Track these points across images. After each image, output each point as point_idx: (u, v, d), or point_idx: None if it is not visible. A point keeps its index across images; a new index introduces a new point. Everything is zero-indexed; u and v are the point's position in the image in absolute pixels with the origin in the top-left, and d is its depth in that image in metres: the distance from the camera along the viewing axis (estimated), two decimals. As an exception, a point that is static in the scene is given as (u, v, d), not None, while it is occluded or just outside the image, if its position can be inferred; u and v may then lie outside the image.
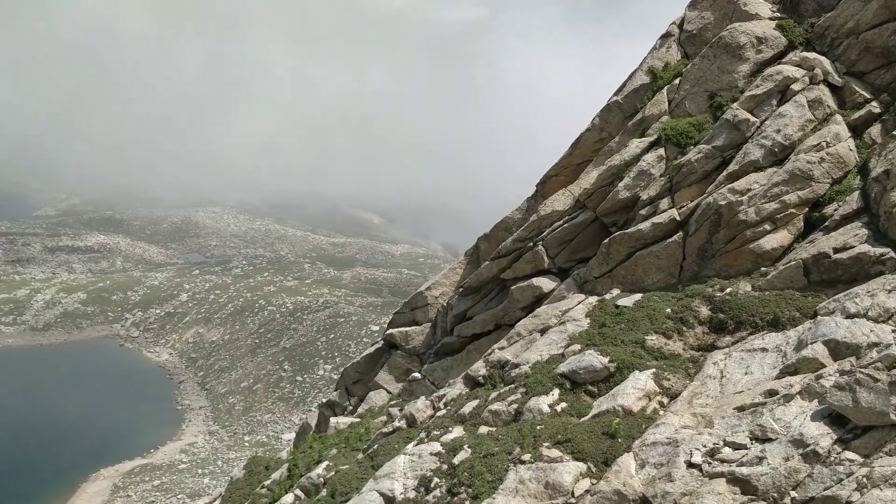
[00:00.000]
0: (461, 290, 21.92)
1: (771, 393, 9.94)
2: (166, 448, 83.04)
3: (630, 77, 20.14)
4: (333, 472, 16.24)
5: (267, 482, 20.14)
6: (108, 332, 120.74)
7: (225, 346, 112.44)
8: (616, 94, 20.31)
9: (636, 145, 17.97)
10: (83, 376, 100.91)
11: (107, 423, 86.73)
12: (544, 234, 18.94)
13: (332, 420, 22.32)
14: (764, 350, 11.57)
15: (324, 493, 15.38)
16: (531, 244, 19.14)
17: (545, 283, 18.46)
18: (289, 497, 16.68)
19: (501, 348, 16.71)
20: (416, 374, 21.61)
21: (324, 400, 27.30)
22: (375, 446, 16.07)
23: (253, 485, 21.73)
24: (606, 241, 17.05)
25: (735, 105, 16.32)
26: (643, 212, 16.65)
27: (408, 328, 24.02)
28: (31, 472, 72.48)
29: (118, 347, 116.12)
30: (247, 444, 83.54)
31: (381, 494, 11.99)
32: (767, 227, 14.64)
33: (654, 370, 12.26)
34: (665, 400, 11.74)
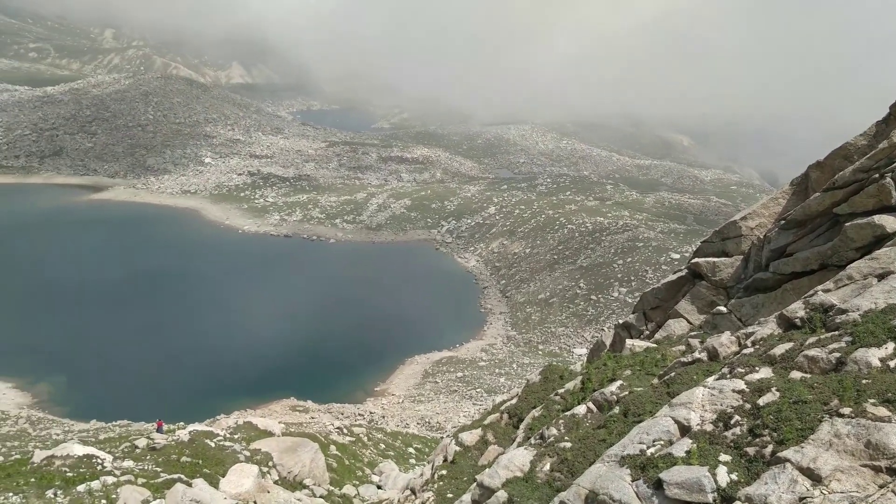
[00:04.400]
0: (783, 222, 20.00)
1: None
2: (469, 345, 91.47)
3: None
4: (627, 392, 16.51)
5: (560, 390, 21.20)
6: (427, 236, 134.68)
7: (526, 258, 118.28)
8: None
9: None
10: (405, 273, 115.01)
11: (422, 315, 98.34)
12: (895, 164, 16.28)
13: (628, 342, 22.45)
14: None
15: (616, 409, 15.76)
16: (877, 175, 16.58)
17: (889, 222, 15.98)
18: (581, 408, 17.42)
19: (826, 291, 15.08)
20: (722, 308, 20.59)
21: (620, 321, 27.49)
22: (672, 374, 15.88)
23: (547, 390, 23.07)
24: (982, 177, 14.12)
25: None
26: None
27: (716, 259, 22.78)
28: (363, 350, 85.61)
29: (434, 251, 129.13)
30: (540, 352, 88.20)
31: (677, 422, 11.92)
32: None
33: None
34: None
